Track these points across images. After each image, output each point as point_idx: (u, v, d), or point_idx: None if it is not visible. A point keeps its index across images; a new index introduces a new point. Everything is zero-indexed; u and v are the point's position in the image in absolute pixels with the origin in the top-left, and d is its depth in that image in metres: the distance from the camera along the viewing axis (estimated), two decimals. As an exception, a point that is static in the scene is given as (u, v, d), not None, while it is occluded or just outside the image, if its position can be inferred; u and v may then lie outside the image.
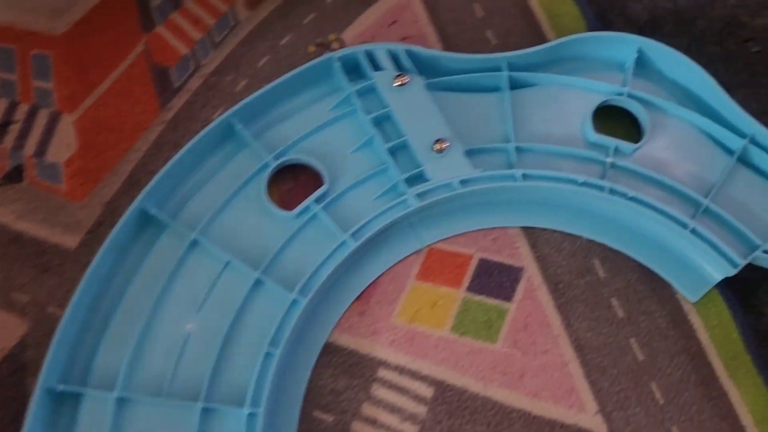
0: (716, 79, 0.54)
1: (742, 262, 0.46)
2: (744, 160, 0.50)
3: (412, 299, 0.47)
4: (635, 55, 0.52)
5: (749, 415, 0.45)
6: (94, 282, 0.44)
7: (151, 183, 0.46)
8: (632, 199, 0.48)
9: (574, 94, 0.52)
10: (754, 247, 0.46)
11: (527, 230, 0.50)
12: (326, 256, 0.45)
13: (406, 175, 0.47)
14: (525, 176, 0.48)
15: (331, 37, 0.56)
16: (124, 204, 0.46)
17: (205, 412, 0.42)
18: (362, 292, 0.47)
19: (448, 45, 0.56)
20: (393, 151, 0.49)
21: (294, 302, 0.43)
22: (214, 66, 0.54)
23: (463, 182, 0.47)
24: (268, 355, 0.42)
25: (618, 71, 0.53)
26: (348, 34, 0.56)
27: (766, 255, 0.46)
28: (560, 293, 0.48)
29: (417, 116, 0.48)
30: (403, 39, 0.57)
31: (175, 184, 0.47)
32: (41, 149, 0.51)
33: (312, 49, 0.55)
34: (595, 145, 0.50)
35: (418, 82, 0.49)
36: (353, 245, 0.45)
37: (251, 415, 0.41)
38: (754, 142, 0.50)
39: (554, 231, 0.50)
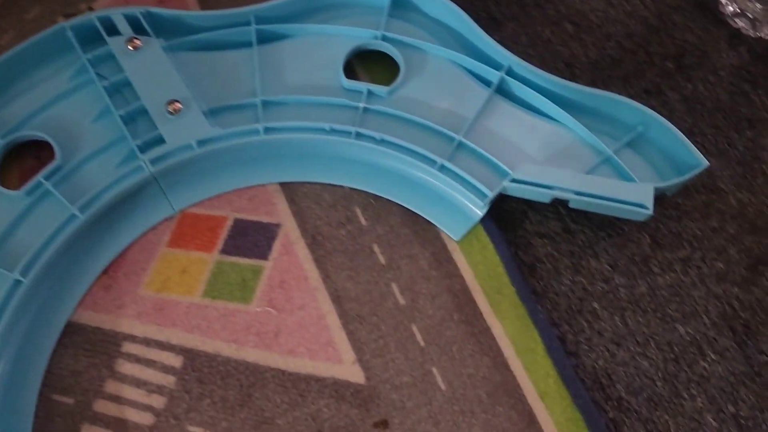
0: (486, 14, 0.54)
1: (491, 194, 0.45)
2: (503, 92, 0.49)
3: (161, 268, 0.45)
4: (389, -3, 0.51)
5: (511, 346, 0.44)
6: None
7: None
8: (381, 142, 0.46)
9: (328, 42, 0.51)
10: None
11: (286, 186, 0.48)
12: (52, 232, 0.42)
13: (141, 141, 0.45)
14: (268, 129, 0.46)
15: (83, 6, 0.54)
16: None
17: None
18: (110, 266, 0.45)
19: (207, 4, 0.54)
20: (133, 118, 0.47)
21: (16, 283, 0.41)
22: (-49, 48, 0.52)
23: (201, 143, 0.45)
24: (-14, 341, 0.40)
25: (379, 15, 0.52)
26: (102, 1, 0.54)
27: (516, 184, 0.45)
28: (318, 246, 0.46)
29: (152, 79, 0.47)
30: (160, 1, 0.54)
31: None
32: None
33: (61, 20, 0.53)
34: (350, 92, 0.49)
35: (153, 45, 0.48)
36: (82, 218, 0.43)
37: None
38: (510, 73, 0.49)
39: (314, 183, 0.48)
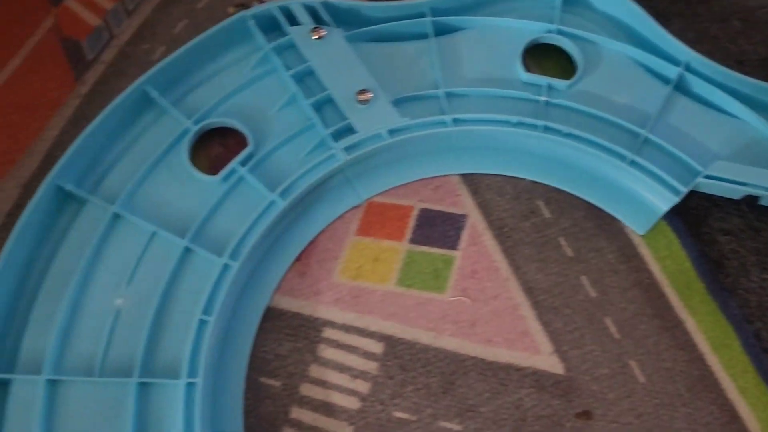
0: (653, 10, 0.56)
1: (685, 190, 0.47)
2: (681, 88, 0.51)
3: (353, 256, 0.47)
4: (562, -9, 0.53)
5: (706, 342, 0.46)
6: (12, 265, 0.43)
7: (63, 158, 0.46)
8: (568, 135, 0.48)
9: (503, 34, 0.53)
10: (696, 174, 0.47)
11: (468, 177, 0.50)
12: (255, 217, 0.44)
13: (332, 129, 0.47)
14: (456, 121, 0.48)
15: (250, -4, 0.57)
16: (43, 184, 0.45)
17: (143, 387, 0.42)
18: (301, 253, 0.47)
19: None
20: (319, 107, 0.49)
21: (225, 267, 0.43)
22: (129, 35, 0.54)
23: (392, 132, 0.48)
24: (202, 322, 0.42)
25: (550, 9, 0.54)
26: (265, -8, 0.56)
27: (708, 180, 0.47)
28: (506, 237, 0.48)
29: (338, 69, 0.49)
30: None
31: (91, 157, 0.47)
32: (-53, 135, 0.50)
33: (232, 10, 0.56)
34: (528, 85, 0.51)
35: (337, 34, 0.50)
36: (282, 204, 0.45)
37: (189, 385, 0.41)
38: (689, 69, 0.51)
39: (496, 175, 0.50)
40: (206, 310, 0.42)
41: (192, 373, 0.41)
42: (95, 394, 0.42)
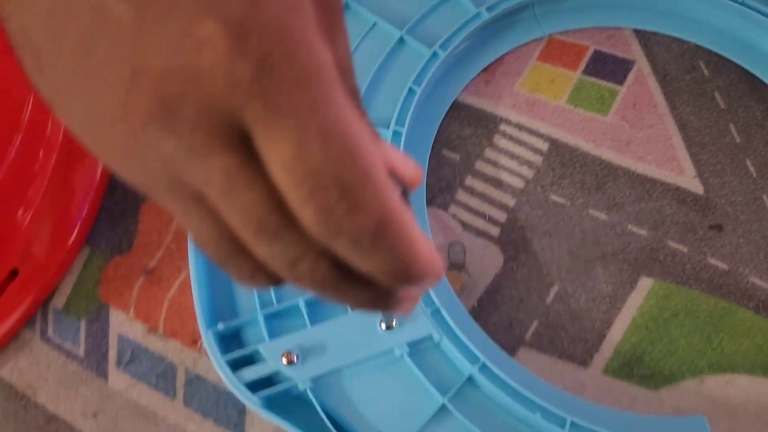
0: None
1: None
2: None
3: (533, 75, 0.59)
4: None
5: (834, 193, 0.55)
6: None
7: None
8: (743, 3, 0.58)
9: None
10: None
11: (640, 32, 0.61)
12: (461, 24, 0.56)
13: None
14: (641, -22, 0.59)
15: None
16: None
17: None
18: (488, 66, 0.59)
19: None
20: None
21: (434, 54, 0.55)
22: None
23: (586, -24, 0.58)
24: (410, 91, 0.54)
25: None
26: None
27: None
28: (667, 83, 0.59)
29: None
30: None
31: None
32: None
33: None
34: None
35: None
36: (485, 16, 0.57)
37: (396, 133, 0.53)
38: None
39: (664, 35, 0.61)
40: (416, 82, 0.54)
41: (399, 123, 0.53)
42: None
